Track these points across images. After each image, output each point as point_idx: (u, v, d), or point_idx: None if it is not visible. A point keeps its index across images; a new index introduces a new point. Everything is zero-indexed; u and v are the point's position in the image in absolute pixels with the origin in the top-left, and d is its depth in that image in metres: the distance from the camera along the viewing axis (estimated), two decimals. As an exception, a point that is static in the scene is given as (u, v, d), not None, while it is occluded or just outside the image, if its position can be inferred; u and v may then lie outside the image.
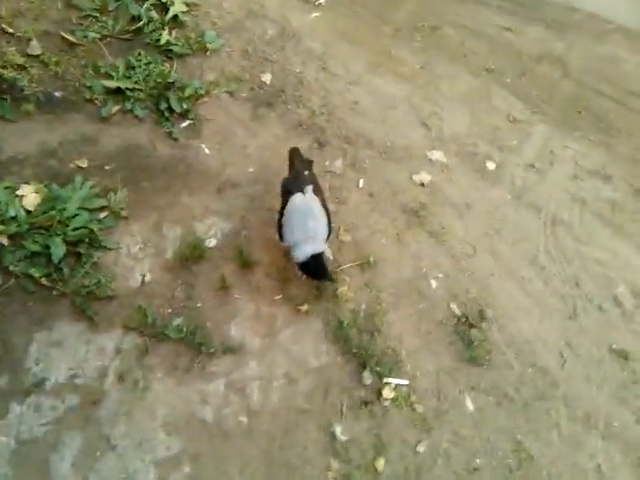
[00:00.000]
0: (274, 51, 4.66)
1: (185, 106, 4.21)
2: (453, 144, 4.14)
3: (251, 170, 3.96)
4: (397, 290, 3.38)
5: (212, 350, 3.10)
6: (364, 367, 3.06)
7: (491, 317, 3.26)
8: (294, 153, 3.51)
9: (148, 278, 3.36)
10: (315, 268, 3.08)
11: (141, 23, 4.67)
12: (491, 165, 4.01)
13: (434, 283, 3.41)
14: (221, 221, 3.68)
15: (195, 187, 3.85)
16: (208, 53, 4.61)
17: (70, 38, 4.55)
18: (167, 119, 4.18)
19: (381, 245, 3.58)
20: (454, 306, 3.31)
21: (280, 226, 3.22)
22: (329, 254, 3.30)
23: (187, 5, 4.87)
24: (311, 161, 3.57)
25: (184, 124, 4.19)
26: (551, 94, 4.52)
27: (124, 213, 3.62)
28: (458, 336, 3.20)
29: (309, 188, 3.20)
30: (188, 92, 4.26)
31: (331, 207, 3.65)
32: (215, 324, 3.22)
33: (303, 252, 3.05)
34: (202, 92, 4.34)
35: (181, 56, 4.56)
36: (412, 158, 4.05)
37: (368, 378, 3.03)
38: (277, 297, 3.35)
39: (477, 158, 4.06)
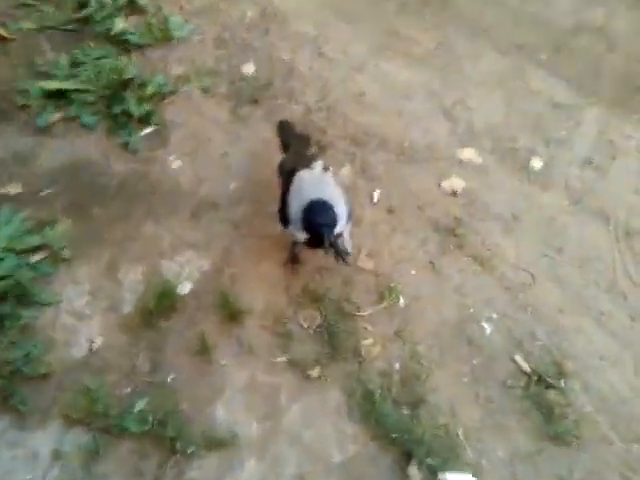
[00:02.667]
0: (256, 37, 3.75)
1: (146, 108, 3.29)
2: (487, 139, 3.25)
3: (234, 186, 3.05)
4: (439, 340, 2.48)
5: (191, 447, 2.18)
6: (409, 458, 2.16)
7: (571, 371, 2.36)
8: (285, 127, 2.83)
9: (98, 344, 2.44)
10: (320, 215, 2.21)
11: (90, 9, 3.75)
12: (537, 163, 3.12)
13: (488, 327, 2.51)
14: (198, 257, 2.77)
15: (162, 212, 2.94)
16: (174, 42, 3.69)
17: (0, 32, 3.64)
18: (123, 126, 3.27)
19: (411, 278, 2.68)
20: (519, 358, 2.41)
21: (283, 207, 2.41)
22: (348, 243, 2.55)
23: (147, -11, 3.94)
24: (309, 136, 2.86)
25: (145, 131, 3.28)
26: (597, 72, 3.63)
27: (66, 253, 2.71)
28: (531, 402, 2.30)
29: (318, 164, 2.53)
30: (150, 90, 3.34)
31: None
32: (194, 406, 2.31)
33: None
34: (168, 90, 3.42)
35: (140, 47, 3.65)
36: (438, 159, 3.15)
37: (416, 476, 2.12)
38: (278, 359, 2.44)
39: (519, 155, 3.17)
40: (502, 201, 2.97)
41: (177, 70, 3.51)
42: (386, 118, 3.34)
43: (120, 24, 3.68)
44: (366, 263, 2.72)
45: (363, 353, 2.44)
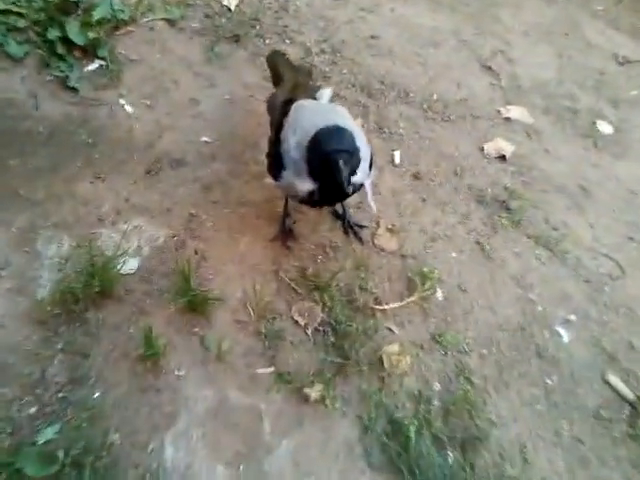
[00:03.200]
0: (240, -34, 3.07)
1: (91, 36, 2.55)
2: (538, 96, 2.62)
3: (205, 139, 2.35)
4: (497, 350, 1.79)
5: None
6: (460, 530, 1.44)
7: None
8: (279, 57, 2.26)
9: (-9, 340, 1.67)
10: (335, 140, 1.54)
11: None
12: (606, 127, 2.51)
13: (565, 333, 1.83)
14: (151, 225, 2.03)
15: (105, 166, 2.21)
16: (136, -32, 2.98)
17: None
18: (61, 58, 2.53)
19: (451, 262, 2.00)
20: (614, 379, 1.73)
21: (276, 146, 1.75)
22: (372, 202, 1.82)
23: None
24: (310, 69, 2.28)
25: (91, 66, 2.56)
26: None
27: (-40, 212, 1.95)
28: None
29: (326, 92, 1.97)
30: (98, 15, 2.61)
31: (358, 194, 2.09)
32: (131, 438, 1.56)
33: None
34: (123, 18, 2.70)
35: (92, -31, 2.91)
36: (477, 118, 2.51)
37: None
38: (261, 370, 1.71)
39: (580, 117, 2.56)
40: (565, 170, 2.33)
41: (140, 2, 2.79)
42: (406, 66, 2.70)
43: (68, -60, 2.96)
44: (388, 241, 2.02)
45: (387, 365, 1.72)
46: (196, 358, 1.72)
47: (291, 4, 2.92)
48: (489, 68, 2.72)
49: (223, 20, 2.79)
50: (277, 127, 1.76)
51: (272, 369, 1.71)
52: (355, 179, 1.59)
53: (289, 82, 1.99)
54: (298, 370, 1.71)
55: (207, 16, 2.81)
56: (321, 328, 1.80)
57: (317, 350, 1.76)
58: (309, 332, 1.79)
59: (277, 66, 2.14)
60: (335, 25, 2.85)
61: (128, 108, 2.43)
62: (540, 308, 1.88)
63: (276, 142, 1.73)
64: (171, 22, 2.77)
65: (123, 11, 2.71)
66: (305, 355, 1.75)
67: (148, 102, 2.46)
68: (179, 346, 1.74)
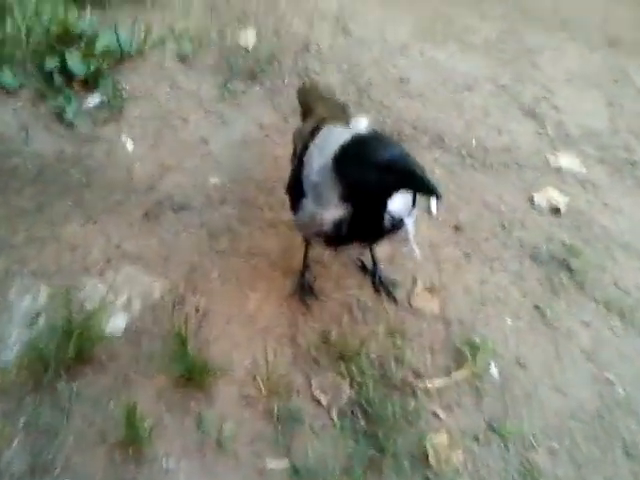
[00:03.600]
0: (260, 7, 2.95)
1: (93, 67, 2.37)
2: (589, 146, 2.39)
3: (214, 181, 2.11)
4: (571, 443, 1.46)
5: None
6: None
7: None
8: (312, 89, 2.07)
9: None
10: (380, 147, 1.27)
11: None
12: (670, 181, 2.23)
13: (655, 424, 1.49)
14: (145, 276, 1.75)
15: (98, 209, 1.97)
16: (149, 3, 2.85)
17: None
18: (58, 90, 2.35)
19: (506, 330, 1.69)
20: None
21: (297, 173, 1.50)
22: (413, 244, 1.45)
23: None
24: (345, 105, 1.99)
25: (90, 100, 2.37)
26: None
27: None
28: None
29: (361, 121, 1.88)
30: (101, 46, 2.45)
31: (390, 248, 1.83)
32: None
33: None
34: (130, 51, 2.53)
35: (100, 2, 2.78)
36: (522, 167, 2.27)
37: None
38: (273, 464, 1.38)
39: (639, 171, 2.29)
40: (629, 227, 2.05)
41: (149, 33, 2.63)
42: (440, 110, 2.49)
43: (77, -28, 2.85)
44: (427, 302, 1.73)
45: (433, 461, 1.39)
46: (190, 444, 1.40)
47: (312, 45, 2.75)
48: (533, 115, 2.50)
49: (239, 58, 2.62)
50: (302, 151, 1.52)
51: (286, 462, 1.37)
52: (395, 210, 1.32)
53: (321, 115, 1.75)
54: (319, 464, 1.37)
55: (221, 53, 2.64)
56: (349, 409, 1.48)
57: (344, 438, 1.43)
58: (333, 415, 1.47)
59: (309, 98, 1.92)
60: (360, 67, 2.67)
61: (129, 146, 2.22)
62: (621, 391, 1.55)
63: (298, 167, 1.48)
64: (182, 58, 2.59)
65: (130, 44, 2.54)
66: (328, 444, 1.41)
67: (152, 140, 2.25)
68: (170, 428, 1.42)
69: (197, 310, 1.67)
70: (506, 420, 1.48)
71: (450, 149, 2.31)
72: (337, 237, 1.34)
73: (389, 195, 1.27)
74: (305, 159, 1.47)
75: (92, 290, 1.70)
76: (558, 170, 2.25)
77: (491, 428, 1.47)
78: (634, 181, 2.24)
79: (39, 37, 2.47)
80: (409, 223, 1.41)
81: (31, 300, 1.65)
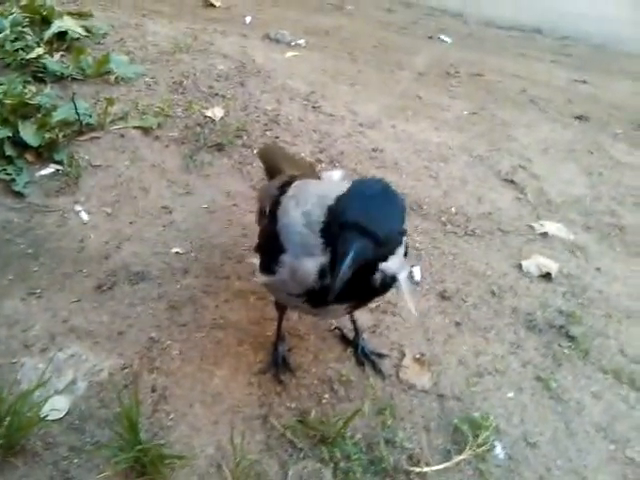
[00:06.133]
0: (229, 86, 2.97)
1: (48, 138, 2.28)
2: (573, 212, 2.36)
3: (177, 250, 1.96)
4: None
5: None
6: None
7: None
8: (275, 150, 2.05)
9: None
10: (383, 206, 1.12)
11: (0, 35, 2.93)
12: (659, 247, 2.18)
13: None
14: (93, 353, 1.57)
15: (45, 281, 1.80)
16: (112, 81, 2.83)
17: None
18: (9, 160, 2.24)
19: (509, 405, 1.53)
20: None
21: (270, 227, 1.38)
22: (410, 298, 1.39)
23: (87, 30, 3.21)
24: (313, 164, 2.07)
25: (44, 171, 2.27)
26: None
27: None
28: None
29: (335, 173, 1.69)
30: (59, 116, 2.38)
31: (373, 317, 1.69)
32: None
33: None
34: (90, 122, 2.46)
35: (61, 79, 2.76)
36: (506, 233, 2.20)
37: None
38: None
39: (628, 233, 2.27)
40: (626, 292, 1.97)
41: (111, 108, 2.57)
42: (416, 179, 2.45)
43: (39, 50, 2.84)
44: (418, 375, 1.56)
45: None
46: None
47: (282, 118, 2.74)
48: (511, 182, 2.48)
49: (206, 130, 2.57)
50: (273, 206, 1.40)
51: None
52: (387, 268, 1.19)
53: (289, 172, 1.66)
54: None
55: (187, 127, 2.59)
56: (333, 503, 1.26)
57: (329, 538, 1.21)
58: (315, 509, 1.25)
59: (273, 159, 1.83)
60: (332, 138, 2.65)
61: (83, 216, 2.08)
62: (648, 472, 1.38)
63: (271, 222, 1.35)
64: (145, 130, 2.53)
65: (90, 116, 2.48)
66: None
67: (109, 210, 2.13)
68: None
69: (153, 390, 1.47)
70: (519, 509, 1.29)
71: (429, 216, 2.24)
72: (321, 292, 1.19)
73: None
74: (279, 212, 1.35)
75: (30, 370, 1.49)
76: (544, 236, 2.19)
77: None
78: (623, 246, 2.19)
79: (-8, 108, 2.40)
80: (403, 280, 1.28)
81: (-45, 382, 1.44)
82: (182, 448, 1.34)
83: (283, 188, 1.44)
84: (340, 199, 1.15)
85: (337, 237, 1.10)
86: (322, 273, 1.18)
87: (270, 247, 1.32)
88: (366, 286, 1.22)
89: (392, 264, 1.21)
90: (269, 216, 1.43)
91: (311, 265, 1.19)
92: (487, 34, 4.66)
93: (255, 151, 2.48)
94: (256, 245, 1.50)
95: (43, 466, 1.28)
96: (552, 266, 2.01)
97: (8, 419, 1.28)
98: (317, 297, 1.22)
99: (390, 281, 1.24)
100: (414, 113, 2.99)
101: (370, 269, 1.18)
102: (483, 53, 4.07)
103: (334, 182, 1.54)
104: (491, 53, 4.11)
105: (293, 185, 1.43)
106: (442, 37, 4.31)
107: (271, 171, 1.80)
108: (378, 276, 1.20)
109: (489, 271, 2.00)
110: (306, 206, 1.26)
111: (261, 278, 1.37)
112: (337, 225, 1.10)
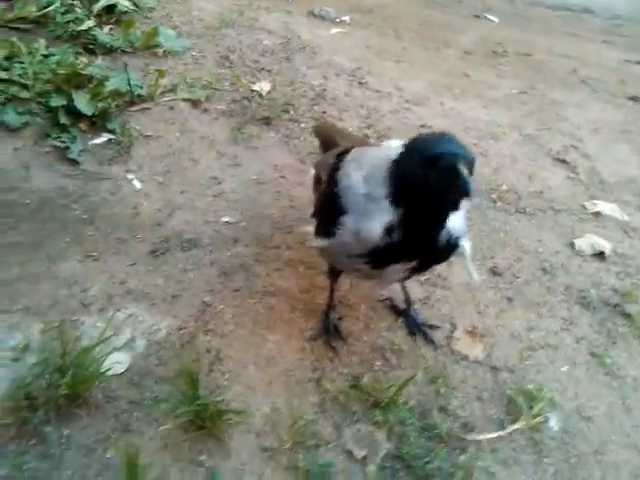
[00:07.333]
0: (275, 62, 2.98)
1: (101, 107, 2.33)
2: (627, 193, 2.33)
3: (227, 219, 1.99)
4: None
5: None
6: None
7: None
8: (329, 127, 2.06)
9: None
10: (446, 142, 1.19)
11: (51, 8, 2.99)
12: None
13: None
14: (150, 314, 1.61)
15: (102, 245, 1.85)
16: (161, 54, 2.87)
17: None
18: (64, 129, 2.29)
19: (563, 379, 1.53)
20: None
21: (330, 189, 1.39)
22: (471, 264, 1.39)
23: (134, 4, 3.25)
24: (365, 139, 2.06)
25: (97, 140, 2.31)
26: None
27: None
28: None
29: (393, 142, 1.50)
30: (112, 86, 2.42)
31: (423, 290, 1.70)
32: None
33: None
34: (141, 94, 2.50)
35: (111, 51, 2.81)
36: (558, 212, 2.18)
37: None
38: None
39: (682, 217, 2.20)
40: (682, 272, 1.92)
41: (160, 81, 2.61)
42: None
43: (89, 23, 2.89)
44: (470, 347, 1.57)
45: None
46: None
47: (328, 93, 2.75)
48: (563, 161, 2.45)
49: (253, 104, 2.59)
50: (331, 172, 1.42)
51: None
52: (453, 228, 1.21)
53: (345, 145, 1.68)
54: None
55: (234, 100, 2.62)
56: (388, 464, 1.29)
57: (384, 498, 1.23)
58: (371, 470, 1.27)
59: (328, 133, 1.86)
60: (379, 113, 2.65)
61: (136, 184, 2.13)
62: None
63: (330, 186, 1.37)
64: (194, 103, 2.57)
65: (141, 87, 2.52)
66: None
67: (160, 179, 2.17)
68: (177, 484, 1.22)
69: (208, 351, 1.51)
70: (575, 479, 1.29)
71: (480, 193, 2.23)
72: (386, 250, 1.21)
73: (437, 196, 1.15)
74: (339, 176, 1.37)
75: (90, 327, 1.54)
76: (597, 216, 2.16)
77: (556, 489, 1.28)
78: (679, 228, 2.15)
79: (46, 78, 2.45)
80: (466, 245, 1.29)
81: (21, 338, 1.49)
82: (238, 406, 1.37)
83: (341, 156, 1.46)
84: (411, 144, 1.17)
85: (421, 176, 1.13)
86: (389, 229, 1.20)
87: (329, 210, 1.34)
88: (431, 243, 1.23)
89: (457, 225, 1.22)
90: (327, 181, 1.44)
91: (376, 223, 1.21)
92: (534, 13, 4.58)
93: (302, 125, 2.52)
94: (313, 211, 1.52)
95: (105, 418, 1.33)
96: (605, 245, 1.99)
97: (72, 371, 1.33)
98: (380, 257, 1.24)
99: (454, 244, 1.25)
100: (462, 91, 2.97)
101: (435, 224, 1.20)
102: (531, 32, 4.01)
103: (393, 148, 1.55)
104: (539, 33, 4.04)
105: (352, 151, 1.44)
106: (488, 16, 4.25)
107: (326, 145, 1.82)
108: (444, 234, 1.21)
109: (541, 248, 1.99)
110: (367, 168, 1.28)
111: (319, 242, 1.39)
112: (420, 163, 1.13)
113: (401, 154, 1.20)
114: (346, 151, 1.50)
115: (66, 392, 1.30)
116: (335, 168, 1.43)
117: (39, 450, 1.24)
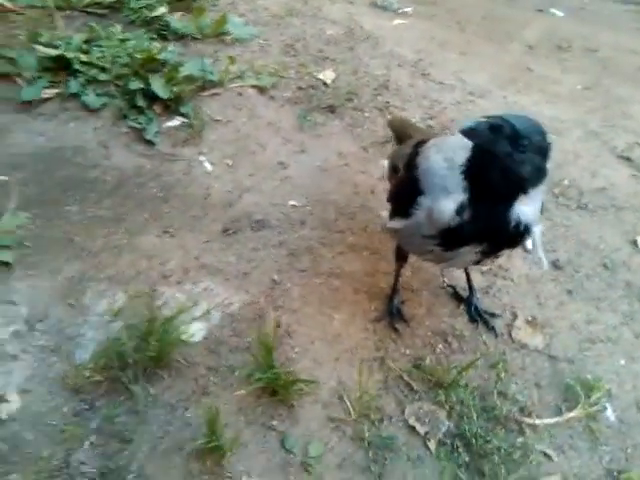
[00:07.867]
0: (338, 51, 3.04)
1: (176, 91, 2.45)
2: (693, 195, 2.29)
3: (293, 203, 2.08)
4: None
5: None
6: None
7: None
8: (404, 120, 2.16)
9: (13, 408, 1.31)
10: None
11: (126, -6, 3.12)
12: None
13: None
14: (223, 288, 1.71)
15: (177, 222, 1.97)
16: (229, 41, 2.98)
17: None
18: (140, 111, 2.41)
19: (621, 372, 1.58)
20: None
21: (410, 172, 1.47)
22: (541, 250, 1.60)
23: (202, -8, 3.36)
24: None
25: (171, 122, 2.42)
26: None
27: (7, 256, 1.68)
28: None
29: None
30: (186, 71, 2.53)
31: (485, 279, 1.76)
32: None
33: None
34: (212, 79, 2.61)
35: (182, 37, 2.92)
36: (621, 209, 2.19)
37: None
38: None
39: None
40: None
41: (231, 67, 2.71)
42: (528, 151, 2.44)
43: (162, 9, 3.01)
44: (530, 336, 1.63)
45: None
46: (273, 462, 1.30)
47: (391, 83, 2.81)
48: (627, 159, 2.45)
49: (318, 92, 2.67)
50: (411, 157, 1.49)
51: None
52: (524, 214, 1.26)
53: (420, 137, 1.74)
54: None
55: (300, 88, 2.70)
56: (449, 441, 1.36)
57: (444, 471, 1.30)
58: (432, 445, 1.35)
59: (403, 126, 1.95)
60: (442, 105, 2.69)
61: (207, 166, 2.24)
62: None
63: (410, 169, 1.44)
64: (261, 90, 2.66)
65: (212, 73, 2.63)
66: (427, 476, 1.29)
67: (230, 162, 2.27)
68: (251, 443, 1.33)
69: (278, 325, 1.61)
70: (630, 470, 1.34)
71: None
72: (456, 231, 1.28)
73: (513, 173, 1.22)
74: (418, 160, 1.44)
75: (170, 298, 1.66)
76: (661, 216, 2.17)
77: (611, 475, 1.33)
78: None
79: (124, 61, 2.58)
80: (537, 232, 1.34)
81: (107, 305, 1.62)
82: (309, 374, 1.47)
83: (419, 145, 1.53)
84: (500, 119, 1.23)
85: (505, 152, 1.21)
86: (459, 210, 1.26)
87: (407, 192, 1.41)
88: (500, 225, 1.28)
89: (529, 212, 1.27)
90: (405, 167, 1.51)
91: (448, 203, 1.28)
92: (601, 8, 4.50)
93: (365, 114, 2.59)
94: (388, 196, 1.59)
95: (185, 381, 1.44)
96: (670, 245, 2.00)
97: (157, 336, 1.45)
98: (451, 237, 1.30)
99: (524, 230, 1.29)
100: (525, 85, 2.98)
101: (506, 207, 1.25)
102: (597, 28, 3.95)
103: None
104: (605, 28, 3.98)
105: (432, 140, 1.51)
106: (553, 10, 4.20)
107: (401, 137, 1.89)
108: (514, 217, 1.26)
109: (602, 245, 2.01)
110: (448, 152, 1.35)
111: (394, 224, 1.46)
112: (510, 136, 1.20)
113: (490, 126, 1.23)
114: (423, 141, 1.56)
115: (152, 355, 1.42)
116: (414, 154, 1.49)
117: (128, 406, 1.36)
